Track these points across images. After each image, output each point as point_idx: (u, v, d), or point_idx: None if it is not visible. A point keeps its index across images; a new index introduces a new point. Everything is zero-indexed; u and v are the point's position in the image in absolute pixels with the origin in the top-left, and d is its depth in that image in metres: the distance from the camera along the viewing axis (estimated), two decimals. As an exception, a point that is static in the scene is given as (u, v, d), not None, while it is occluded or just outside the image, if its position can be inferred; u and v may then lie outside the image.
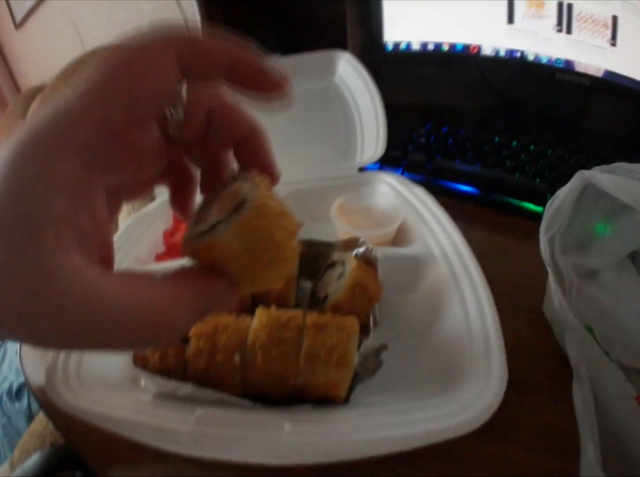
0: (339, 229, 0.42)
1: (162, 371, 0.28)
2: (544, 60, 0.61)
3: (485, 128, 0.63)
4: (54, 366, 0.30)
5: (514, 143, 0.59)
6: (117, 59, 0.16)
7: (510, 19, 0.61)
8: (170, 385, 0.27)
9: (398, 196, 0.45)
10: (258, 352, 0.26)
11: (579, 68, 0.59)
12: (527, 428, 0.32)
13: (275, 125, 0.57)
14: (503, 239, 0.49)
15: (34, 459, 0.49)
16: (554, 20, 0.58)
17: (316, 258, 0.36)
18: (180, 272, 0.17)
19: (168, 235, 0.49)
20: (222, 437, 0.24)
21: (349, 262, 0.32)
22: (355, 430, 0.24)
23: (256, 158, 0.21)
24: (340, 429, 0.24)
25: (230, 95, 0.20)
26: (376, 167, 0.55)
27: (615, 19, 0.54)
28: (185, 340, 0.27)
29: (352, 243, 0.35)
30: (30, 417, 0.86)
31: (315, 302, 0.33)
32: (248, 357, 0.26)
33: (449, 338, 0.32)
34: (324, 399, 0.27)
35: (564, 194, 0.38)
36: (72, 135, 0.15)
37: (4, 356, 1.01)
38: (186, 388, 0.27)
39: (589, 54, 0.58)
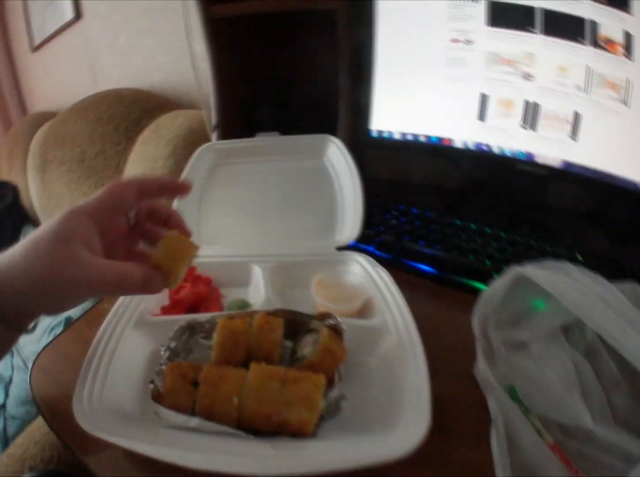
0: (316, 301, 0.54)
1: (175, 406, 0.39)
2: (508, 153, 0.72)
3: (450, 212, 0.74)
4: (81, 395, 0.41)
5: (473, 226, 0.70)
6: (110, 187, 0.40)
7: (482, 117, 0.72)
8: (181, 418, 0.38)
9: (366, 276, 0.57)
10: (252, 396, 0.38)
11: (538, 159, 0.70)
12: (457, 463, 0.40)
13: (268, 197, 0.70)
14: (452, 312, 0.58)
15: None
16: (519, 118, 0.69)
17: (297, 324, 0.47)
18: (139, 264, 0.38)
19: (173, 291, 0.59)
20: (227, 456, 0.35)
21: (322, 331, 0.44)
22: (318, 454, 0.36)
23: (177, 226, 0.44)
24: (308, 453, 0.36)
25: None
26: (353, 244, 0.66)
27: (577, 115, 0.64)
28: (196, 384, 0.39)
29: (325, 315, 0.46)
30: (5, 439, 0.91)
31: (294, 359, 0.44)
32: (243, 399, 0.38)
33: (392, 391, 0.43)
34: (298, 433, 0.38)
35: (497, 284, 0.50)
36: (88, 214, 0.37)
37: None
38: (195, 421, 0.38)
39: (550, 147, 0.68)
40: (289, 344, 0.47)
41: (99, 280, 0.35)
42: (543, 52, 0.65)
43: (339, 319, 0.45)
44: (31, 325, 0.38)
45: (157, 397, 0.40)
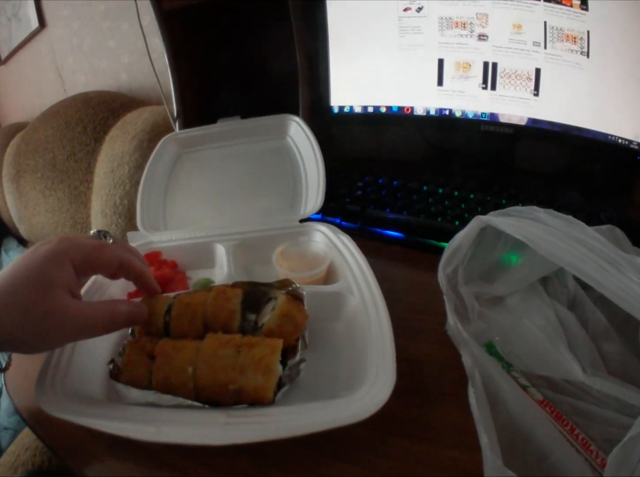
0: (279, 272, 0.53)
1: (132, 381, 0.37)
2: (470, 116, 0.71)
3: (416, 179, 0.73)
4: (43, 380, 0.40)
5: (440, 190, 0.69)
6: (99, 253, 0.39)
7: (440, 82, 0.72)
8: (139, 393, 0.37)
9: (328, 243, 0.56)
10: (205, 365, 0.36)
11: (502, 119, 0.69)
12: (435, 428, 0.37)
13: (233, 180, 0.69)
14: (422, 274, 0.55)
15: None
16: (479, 79, 0.68)
17: (258, 295, 0.45)
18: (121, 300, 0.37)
19: None
20: (178, 427, 0.34)
21: (280, 297, 0.43)
22: (273, 421, 0.35)
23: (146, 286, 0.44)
24: (262, 420, 0.35)
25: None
26: (319, 217, 0.66)
27: (538, 71, 0.63)
28: (152, 357, 0.38)
29: (285, 283, 0.45)
30: None
31: (254, 329, 0.43)
32: (198, 368, 0.37)
33: (356, 354, 0.42)
34: (256, 401, 0.36)
35: (461, 236, 0.46)
36: (70, 259, 0.37)
37: None
38: (151, 395, 0.37)
39: (513, 105, 0.67)
40: (252, 316, 0.45)
41: (90, 325, 0.36)
42: (496, 11, 0.64)
43: (298, 285, 0.45)
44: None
45: (116, 375, 0.39)
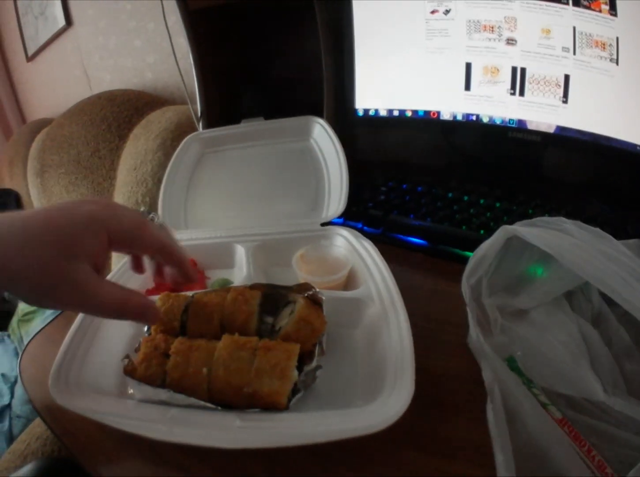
0: (299, 276, 0.52)
1: (146, 379, 0.37)
2: (498, 122, 0.70)
3: (441, 185, 0.72)
4: (58, 372, 0.41)
5: (466, 198, 0.68)
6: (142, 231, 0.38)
7: (467, 87, 0.70)
8: (152, 391, 0.37)
9: (350, 248, 0.55)
10: (221, 366, 0.36)
11: (530, 126, 0.67)
12: (450, 443, 0.36)
13: (255, 181, 0.70)
14: (445, 283, 0.55)
15: (29, 466, 0.55)
16: (507, 84, 0.66)
17: (276, 298, 0.45)
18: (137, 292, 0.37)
19: (156, 274, 0.58)
20: (190, 428, 0.33)
21: (298, 301, 0.42)
22: (285, 427, 0.34)
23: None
24: (275, 425, 0.34)
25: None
26: (341, 221, 0.65)
27: (567, 77, 0.62)
28: (167, 355, 0.37)
29: (304, 287, 0.45)
30: (10, 439, 0.93)
31: (272, 332, 0.43)
32: (213, 370, 0.36)
33: (375, 363, 0.41)
34: (270, 406, 0.36)
35: (486, 246, 0.46)
36: (107, 230, 0.35)
37: None
38: (164, 394, 0.36)
39: (541, 112, 0.66)
40: (269, 319, 0.45)
41: (98, 308, 0.34)
42: (524, 15, 0.63)
43: (318, 290, 0.44)
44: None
45: (130, 371, 0.39)
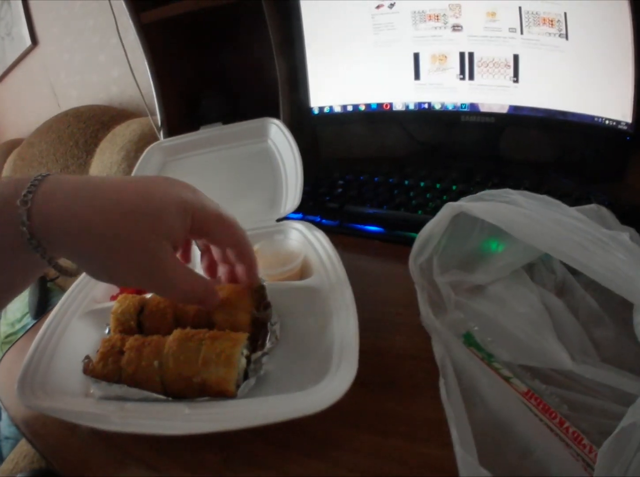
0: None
1: (104, 376, 0.40)
2: (450, 107, 0.72)
3: (398, 174, 0.74)
4: (24, 377, 0.43)
5: (422, 184, 0.69)
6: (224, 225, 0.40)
7: (417, 76, 0.73)
8: (109, 387, 0.39)
9: (303, 240, 0.58)
10: (170, 358, 0.38)
11: (483, 108, 0.70)
12: (408, 423, 0.36)
13: (216, 185, 0.72)
14: (400, 267, 0.52)
15: None
16: (457, 70, 0.69)
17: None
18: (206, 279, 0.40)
19: None
20: (142, 419, 0.36)
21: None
22: (232, 411, 0.36)
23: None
24: (222, 411, 0.37)
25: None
26: (299, 217, 0.68)
27: (516, 57, 0.63)
28: (121, 352, 0.40)
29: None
30: (0, 461, 0.92)
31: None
32: (164, 362, 0.39)
33: (324, 348, 0.43)
34: (220, 394, 0.38)
35: (432, 224, 0.46)
36: (191, 214, 0.36)
37: None
38: (120, 389, 0.39)
39: (493, 94, 0.67)
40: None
41: (170, 285, 0.35)
42: (468, 1, 0.65)
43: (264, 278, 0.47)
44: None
45: (89, 370, 0.41)
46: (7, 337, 1.23)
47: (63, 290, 1.22)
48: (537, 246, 0.37)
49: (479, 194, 0.44)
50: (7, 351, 0.59)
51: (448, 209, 0.44)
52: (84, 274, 0.58)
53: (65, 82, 1.64)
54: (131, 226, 0.31)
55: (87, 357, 0.42)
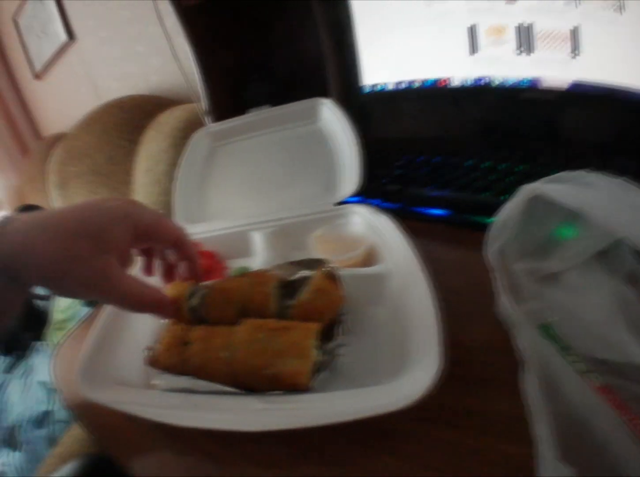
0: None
1: (168, 368, 0.38)
2: (510, 83, 0.67)
3: (458, 154, 0.70)
4: (85, 366, 0.42)
5: (485, 164, 0.66)
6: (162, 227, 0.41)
7: (474, 50, 0.68)
8: (175, 379, 0.38)
9: (367, 225, 0.55)
10: (240, 350, 0.36)
11: (543, 84, 0.65)
12: (485, 418, 0.35)
13: (267, 170, 0.70)
14: (470, 253, 0.53)
15: (69, 466, 0.58)
16: (514, 43, 0.64)
17: (294, 280, 0.45)
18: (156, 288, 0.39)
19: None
20: (213, 413, 0.34)
21: (314, 274, 0.42)
22: (309, 407, 0.34)
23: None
24: (298, 406, 0.34)
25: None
26: (358, 200, 0.65)
27: (575, 30, 0.59)
28: (185, 342, 0.38)
29: (320, 263, 0.45)
30: (52, 443, 0.97)
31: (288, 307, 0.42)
32: (233, 353, 0.36)
33: (400, 339, 0.40)
34: (292, 387, 0.36)
35: (508, 208, 0.44)
36: (134, 225, 0.38)
37: (28, 387, 1.15)
38: (187, 381, 0.37)
39: (553, 69, 0.63)
40: (289, 302, 0.45)
41: (119, 296, 0.36)
42: None
43: (333, 265, 0.44)
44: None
45: (153, 361, 0.39)
46: (59, 323, 1.29)
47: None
48: (615, 232, 0.36)
49: (556, 175, 0.42)
50: (62, 342, 0.59)
51: (525, 192, 0.43)
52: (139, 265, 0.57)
53: (105, 75, 1.66)
54: (76, 248, 0.34)
55: (149, 347, 0.41)
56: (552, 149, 0.67)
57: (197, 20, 0.85)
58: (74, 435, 0.82)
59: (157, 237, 0.41)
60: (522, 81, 0.67)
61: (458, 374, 0.37)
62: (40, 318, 1.34)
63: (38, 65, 1.97)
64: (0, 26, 2.16)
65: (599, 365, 0.36)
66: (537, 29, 0.62)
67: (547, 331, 0.40)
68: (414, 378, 0.34)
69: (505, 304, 0.41)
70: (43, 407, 1.07)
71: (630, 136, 0.66)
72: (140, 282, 0.38)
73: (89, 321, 0.61)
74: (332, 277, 0.42)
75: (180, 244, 0.42)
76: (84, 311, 1.24)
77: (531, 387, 0.33)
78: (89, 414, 0.43)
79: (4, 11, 2.03)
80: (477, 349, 0.41)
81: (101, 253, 0.35)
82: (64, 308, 1.31)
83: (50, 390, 1.11)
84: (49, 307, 1.37)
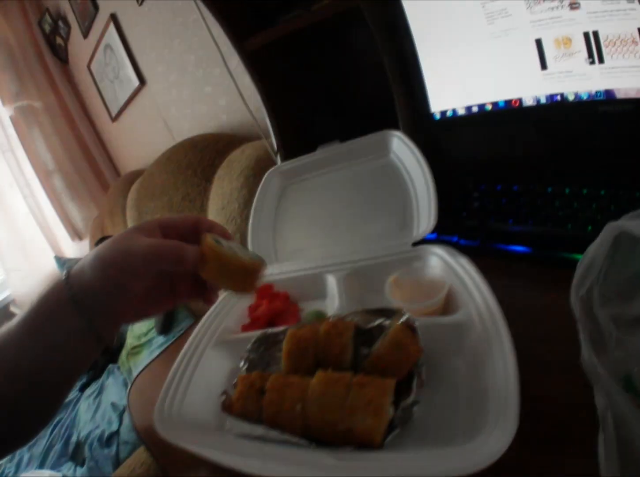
0: (393, 303, 0.52)
1: (243, 415, 0.41)
2: (585, 96, 0.65)
3: (537, 180, 0.68)
4: (162, 406, 0.46)
5: (567, 190, 0.64)
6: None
7: (544, 65, 0.67)
8: (249, 427, 0.40)
9: (446, 268, 0.55)
10: (314, 403, 0.38)
11: (619, 95, 0.63)
12: None
13: (340, 207, 0.72)
14: (553, 295, 0.49)
15: None
16: (584, 53, 0.63)
17: (370, 328, 0.46)
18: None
19: (252, 309, 0.63)
20: (284, 465, 0.36)
21: (392, 325, 0.43)
22: (382, 466, 0.35)
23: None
24: (371, 465, 0.35)
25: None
26: (434, 237, 0.65)
27: None
28: (262, 392, 0.40)
29: (397, 313, 0.45)
30: (117, 463, 1.06)
31: (364, 358, 0.44)
32: (307, 406, 0.38)
33: (477, 394, 0.40)
34: (365, 443, 0.37)
35: (593, 248, 0.43)
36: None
37: (98, 406, 1.26)
38: (260, 430, 0.39)
39: (627, 77, 0.62)
40: (366, 351, 0.46)
41: (148, 251, 0.41)
42: None
43: (410, 316, 0.44)
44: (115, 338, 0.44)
45: (227, 407, 0.42)
46: (133, 348, 1.41)
47: (187, 308, 1.34)
48: None
49: (638, 211, 0.41)
50: (140, 373, 0.67)
51: (609, 230, 0.42)
52: (216, 304, 0.61)
53: (176, 116, 1.83)
54: (113, 273, 0.40)
55: (225, 392, 0.43)
56: (636, 166, 0.62)
57: (262, 61, 0.90)
58: (139, 459, 0.87)
59: (178, 225, 0.46)
60: (597, 93, 0.64)
61: (535, 430, 0.37)
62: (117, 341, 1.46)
63: (114, 109, 2.22)
64: (77, 74, 2.45)
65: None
66: (604, 34, 0.60)
67: (629, 383, 0.38)
68: (489, 441, 0.34)
69: (587, 356, 0.40)
70: (111, 428, 1.16)
71: None
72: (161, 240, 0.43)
73: (165, 355, 0.66)
74: (409, 329, 0.43)
75: (200, 222, 0.46)
76: (159, 339, 1.35)
77: (604, 448, 0.33)
78: (160, 446, 0.47)
79: (80, 60, 2.31)
80: (558, 404, 0.41)
81: (121, 239, 0.41)
82: (138, 334, 1.43)
83: (120, 412, 1.20)
84: (125, 331, 1.49)
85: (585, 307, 0.43)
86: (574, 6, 0.61)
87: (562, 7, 0.62)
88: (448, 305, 0.52)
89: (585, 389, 0.38)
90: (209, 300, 0.48)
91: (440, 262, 0.57)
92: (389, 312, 0.47)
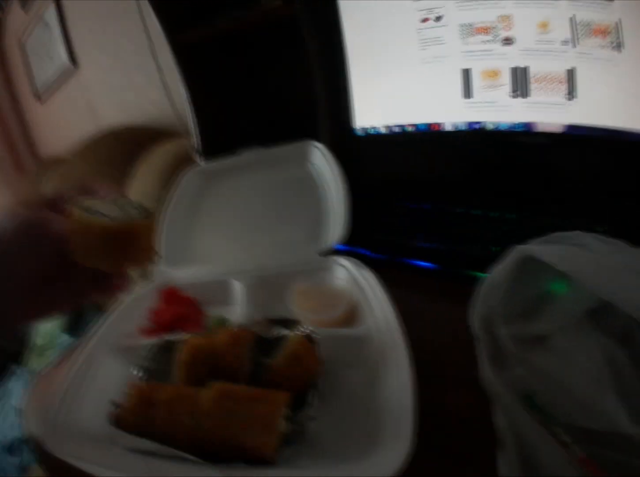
0: (296, 313, 0.53)
1: (133, 427, 0.38)
2: (504, 127, 0.68)
3: (449, 201, 0.71)
4: (54, 416, 0.44)
5: (476, 212, 0.67)
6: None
7: (468, 94, 0.70)
8: (139, 441, 0.38)
9: (351, 280, 0.56)
10: (206, 418, 0.37)
11: (538, 128, 0.66)
12: None
13: (255, 212, 0.71)
14: (456, 310, 0.51)
15: None
16: (509, 87, 0.66)
17: (271, 338, 0.45)
18: None
19: (154, 313, 0.61)
20: None
21: (291, 337, 0.43)
22: None
23: None
24: None
25: None
26: (345, 248, 0.66)
27: (571, 72, 0.61)
28: (152, 403, 0.39)
29: (298, 324, 0.46)
30: (23, 471, 0.98)
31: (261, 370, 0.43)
32: (198, 422, 0.37)
33: (373, 409, 0.40)
34: (257, 459, 0.36)
35: (498, 270, 0.45)
36: None
37: (3, 413, 1.14)
38: (150, 444, 0.38)
39: (548, 112, 0.65)
40: (266, 360, 0.45)
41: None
42: (518, 11, 0.62)
43: (311, 329, 0.45)
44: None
45: (117, 420, 0.40)
46: (37, 349, 1.31)
47: (95, 305, 1.26)
48: (606, 297, 0.36)
49: (549, 236, 0.43)
50: (35, 380, 0.60)
51: (516, 254, 0.44)
52: (112, 309, 0.59)
53: (105, 102, 1.74)
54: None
55: (114, 402, 0.41)
56: (546, 195, 0.68)
57: (193, 57, 0.88)
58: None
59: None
60: (516, 125, 0.68)
61: (436, 446, 0.37)
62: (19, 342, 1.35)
63: (42, 89, 2.10)
64: (8, 49, 2.29)
65: (584, 434, 0.36)
66: (533, 71, 0.64)
67: (530, 401, 0.40)
68: (383, 459, 0.34)
69: (486, 374, 0.41)
70: (16, 434, 1.06)
71: (628, 181, 0.66)
72: None
73: (67, 355, 0.61)
74: (308, 341, 0.43)
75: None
76: (63, 337, 1.25)
77: (503, 466, 0.34)
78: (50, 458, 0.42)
79: (11, 32, 2.17)
80: (458, 419, 0.41)
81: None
82: (43, 333, 1.32)
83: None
84: (29, 331, 1.38)
85: (486, 326, 0.45)
86: (506, 42, 0.64)
87: (495, 41, 0.65)
88: (351, 317, 0.53)
89: (486, 403, 0.40)
90: (113, 291, 0.41)
91: (346, 273, 0.58)
92: (291, 323, 0.47)
